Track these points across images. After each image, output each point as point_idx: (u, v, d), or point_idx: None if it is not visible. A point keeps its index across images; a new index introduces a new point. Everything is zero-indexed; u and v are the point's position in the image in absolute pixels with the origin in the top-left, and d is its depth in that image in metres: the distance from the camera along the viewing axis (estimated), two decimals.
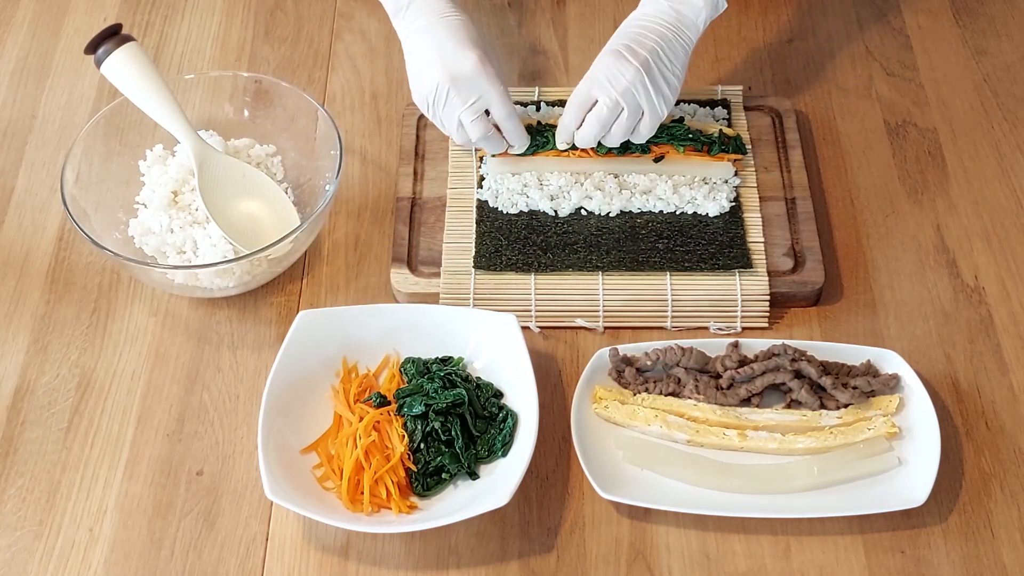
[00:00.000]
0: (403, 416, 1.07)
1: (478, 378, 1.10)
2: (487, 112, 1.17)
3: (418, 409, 1.06)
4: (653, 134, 1.18)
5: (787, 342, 1.11)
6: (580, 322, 1.17)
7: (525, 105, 1.30)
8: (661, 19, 1.17)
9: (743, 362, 1.11)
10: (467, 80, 1.14)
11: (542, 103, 1.30)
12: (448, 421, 1.06)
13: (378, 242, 1.24)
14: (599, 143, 1.20)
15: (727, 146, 1.23)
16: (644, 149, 1.22)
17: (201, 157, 1.21)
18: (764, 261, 1.19)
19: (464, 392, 1.06)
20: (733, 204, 1.23)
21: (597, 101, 1.15)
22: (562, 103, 1.30)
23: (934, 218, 1.26)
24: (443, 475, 1.05)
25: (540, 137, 1.22)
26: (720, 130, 1.24)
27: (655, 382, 1.11)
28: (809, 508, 1.03)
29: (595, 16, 1.46)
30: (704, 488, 1.05)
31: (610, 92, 1.14)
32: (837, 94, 1.38)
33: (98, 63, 1.19)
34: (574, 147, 1.21)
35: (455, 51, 1.15)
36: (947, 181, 1.29)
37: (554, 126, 1.23)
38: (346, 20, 1.46)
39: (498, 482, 1.03)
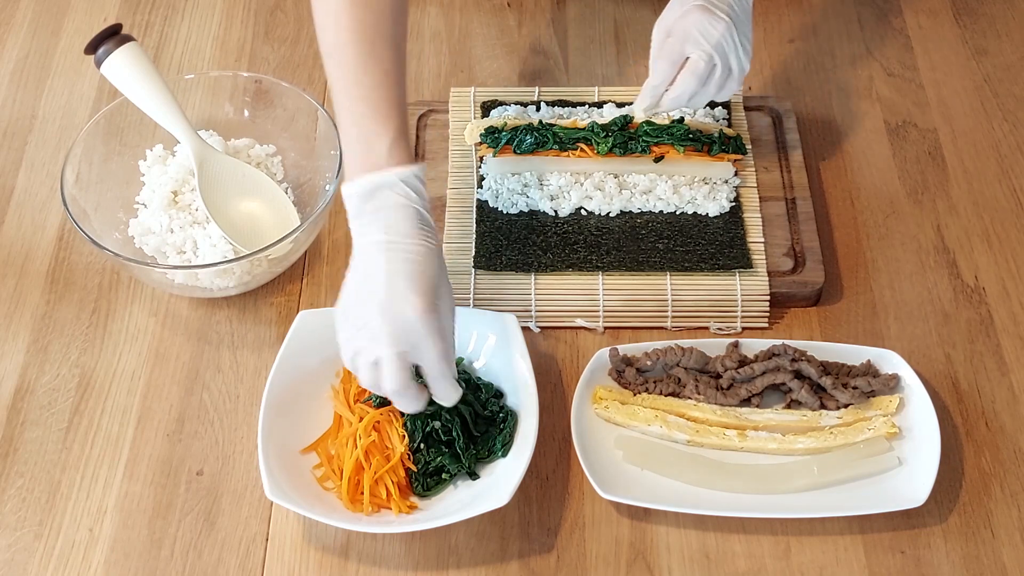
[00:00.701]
0: (403, 416, 1.07)
1: (478, 378, 1.10)
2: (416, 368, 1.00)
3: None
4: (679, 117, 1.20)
5: (787, 342, 1.11)
6: (580, 322, 1.17)
7: (525, 105, 1.30)
8: None
9: (743, 362, 1.11)
10: (402, 328, 0.97)
11: (542, 103, 1.30)
12: (448, 421, 1.06)
13: None
14: (595, 142, 1.20)
15: (727, 146, 1.23)
16: (644, 149, 1.22)
17: (201, 157, 1.21)
18: (764, 261, 1.19)
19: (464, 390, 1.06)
20: (733, 204, 1.23)
21: (688, 58, 1.12)
22: (562, 103, 1.30)
23: (934, 218, 1.26)
24: (443, 475, 1.05)
25: (540, 136, 1.22)
26: (720, 130, 1.24)
27: (655, 382, 1.11)
28: (809, 508, 1.03)
29: (595, 16, 1.46)
30: (704, 488, 1.05)
31: (704, 46, 1.10)
32: (837, 94, 1.38)
33: (98, 63, 1.19)
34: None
35: (401, 291, 0.97)
36: (947, 181, 1.29)
37: (554, 126, 1.23)
38: None
39: (498, 482, 1.03)
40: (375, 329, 0.97)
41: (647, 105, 1.17)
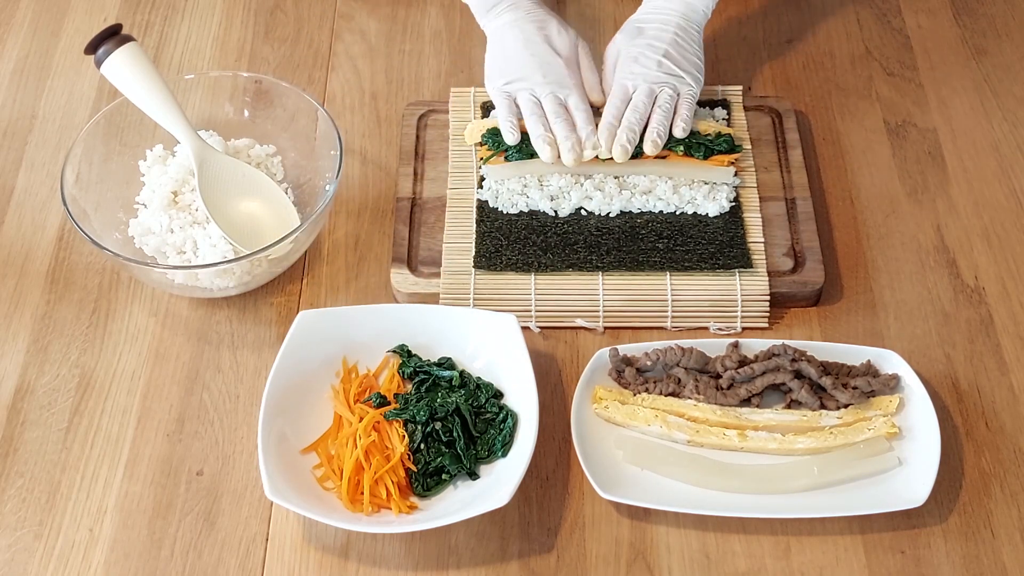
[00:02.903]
0: (403, 417, 1.07)
1: (478, 378, 1.10)
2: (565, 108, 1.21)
3: (423, 415, 1.06)
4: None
5: (787, 342, 1.11)
6: (580, 322, 1.17)
7: None
8: (670, 10, 1.27)
9: (743, 362, 1.11)
10: (554, 69, 1.22)
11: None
12: (448, 421, 1.06)
13: (378, 242, 1.24)
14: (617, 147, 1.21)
15: (720, 145, 1.23)
16: (639, 153, 1.22)
17: (201, 157, 1.21)
18: (764, 261, 1.19)
19: (456, 401, 1.07)
20: (733, 204, 1.23)
21: (632, 95, 1.22)
22: None
23: (934, 218, 1.26)
24: (443, 475, 1.05)
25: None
26: (719, 132, 1.24)
27: (655, 382, 1.11)
28: (809, 508, 1.03)
29: (595, 16, 1.46)
30: (704, 488, 1.05)
31: (639, 82, 1.22)
32: (837, 94, 1.38)
33: (98, 63, 1.19)
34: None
35: (546, 45, 1.23)
36: (947, 181, 1.29)
37: None
38: (346, 20, 1.46)
39: (498, 482, 1.03)
40: (532, 72, 1.22)
41: (600, 146, 1.21)
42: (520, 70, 1.23)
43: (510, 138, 1.21)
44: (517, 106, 1.22)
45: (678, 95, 1.22)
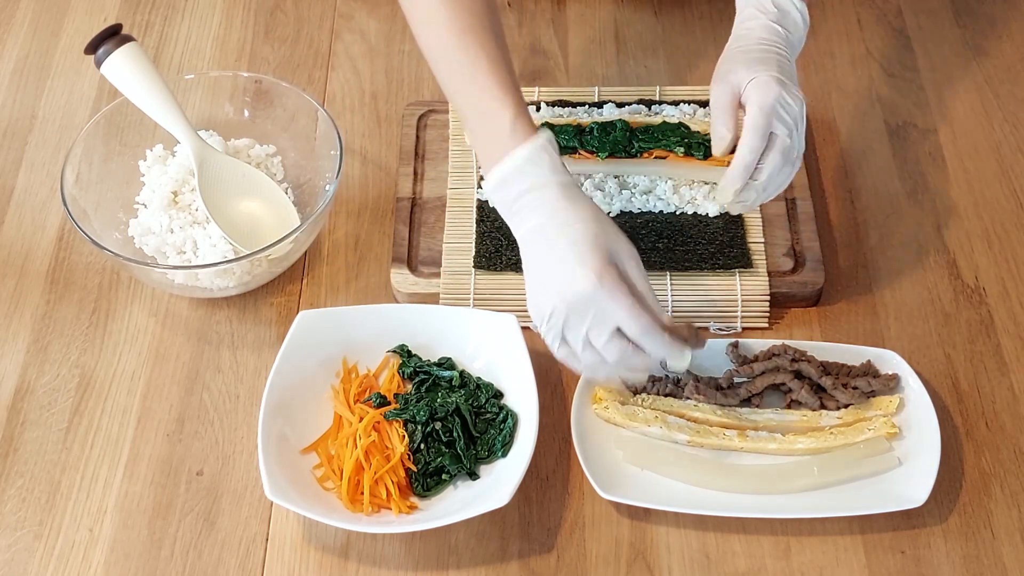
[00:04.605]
0: (403, 417, 1.07)
1: (478, 378, 1.10)
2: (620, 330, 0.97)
3: (423, 415, 1.06)
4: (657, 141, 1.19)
5: (787, 342, 1.11)
6: None
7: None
8: (776, 39, 1.10)
9: (743, 362, 1.11)
10: (584, 301, 0.96)
11: (542, 103, 1.30)
12: (448, 421, 1.06)
13: (378, 242, 1.24)
14: (595, 148, 1.20)
15: None
16: (638, 153, 1.21)
17: (201, 157, 1.21)
18: (764, 261, 1.19)
19: (456, 401, 1.07)
20: None
21: (774, 134, 1.06)
22: (561, 103, 1.30)
23: (934, 218, 1.26)
24: (443, 475, 1.05)
25: None
26: None
27: (653, 382, 1.11)
28: (809, 508, 1.03)
29: (595, 16, 1.46)
30: (704, 488, 1.05)
31: (789, 123, 1.06)
32: (837, 94, 1.38)
33: (98, 63, 1.19)
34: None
35: (569, 266, 0.96)
36: (947, 181, 1.29)
37: (554, 126, 1.23)
38: (346, 20, 1.46)
39: (498, 482, 1.03)
40: (562, 318, 0.97)
41: (739, 188, 1.08)
42: (547, 308, 0.98)
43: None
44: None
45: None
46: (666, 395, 1.10)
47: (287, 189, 1.26)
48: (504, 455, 1.06)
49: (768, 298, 1.17)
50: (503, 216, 1.03)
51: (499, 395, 1.10)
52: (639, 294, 0.97)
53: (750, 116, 1.06)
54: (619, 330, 0.97)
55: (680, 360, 0.99)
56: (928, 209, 1.27)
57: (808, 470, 1.05)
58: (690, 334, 1.00)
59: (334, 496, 1.04)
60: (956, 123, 1.35)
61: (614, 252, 0.97)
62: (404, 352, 1.12)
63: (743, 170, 1.07)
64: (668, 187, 1.22)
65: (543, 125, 1.22)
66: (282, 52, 1.42)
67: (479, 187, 1.25)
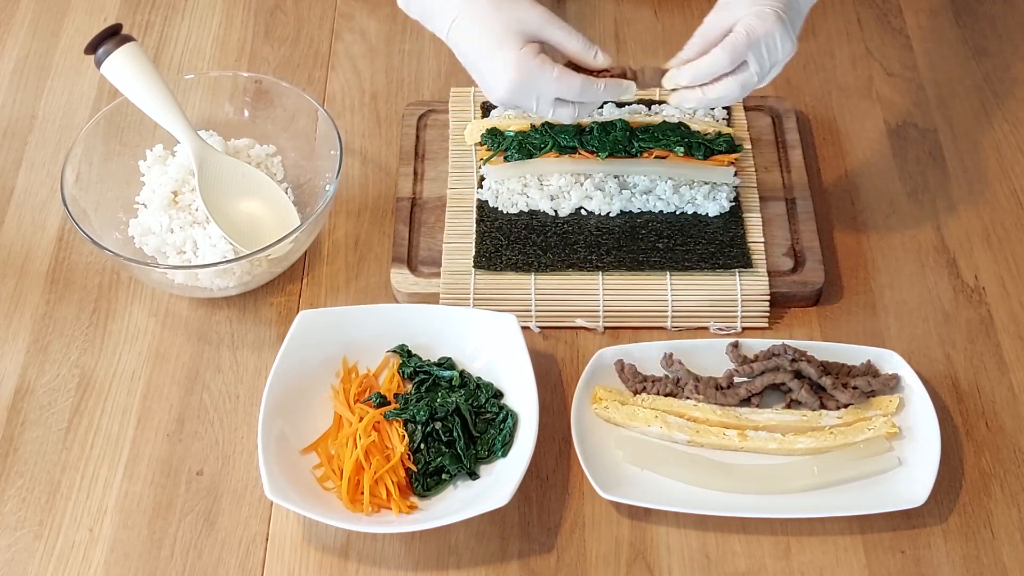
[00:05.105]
0: (403, 417, 1.07)
1: (478, 378, 1.10)
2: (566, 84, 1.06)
3: (423, 415, 1.06)
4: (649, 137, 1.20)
5: (787, 342, 1.11)
6: (580, 322, 1.17)
7: None
8: None
9: (743, 362, 1.11)
10: (518, 89, 1.06)
11: None
12: (448, 421, 1.06)
13: (378, 242, 1.24)
14: (595, 147, 1.20)
15: (720, 145, 1.23)
16: (639, 152, 1.21)
17: (201, 157, 1.21)
18: (764, 261, 1.19)
19: (456, 401, 1.07)
20: (733, 204, 1.23)
21: (745, 63, 1.06)
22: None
23: (934, 218, 1.26)
24: (443, 475, 1.05)
25: (540, 139, 1.22)
26: (719, 132, 1.24)
27: (653, 381, 1.11)
28: (809, 508, 1.03)
29: (595, 16, 1.46)
30: (704, 488, 1.05)
31: (766, 63, 1.06)
32: (837, 94, 1.38)
33: (98, 63, 1.19)
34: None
35: (493, 60, 1.06)
36: (947, 181, 1.29)
37: (553, 126, 1.23)
38: (346, 20, 1.46)
39: (498, 482, 1.03)
40: (505, 102, 1.07)
41: (679, 80, 1.09)
42: (495, 99, 1.09)
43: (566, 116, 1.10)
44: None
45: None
46: (666, 395, 1.10)
47: (287, 189, 1.26)
48: (504, 455, 1.06)
49: (768, 298, 1.17)
50: (426, 26, 1.11)
51: (499, 395, 1.10)
52: (566, 48, 1.07)
53: (732, 35, 1.06)
54: (557, 99, 1.07)
55: (626, 93, 1.09)
56: (928, 209, 1.27)
57: (808, 470, 1.05)
58: (625, 70, 1.10)
59: (334, 496, 1.04)
60: (956, 123, 1.35)
61: (525, 27, 1.06)
62: (404, 352, 1.12)
63: (690, 79, 1.08)
64: (668, 187, 1.22)
65: (544, 124, 1.23)
66: (282, 52, 1.42)
67: (479, 187, 1.25)
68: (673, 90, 1.10)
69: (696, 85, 1.08)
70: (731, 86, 1.07)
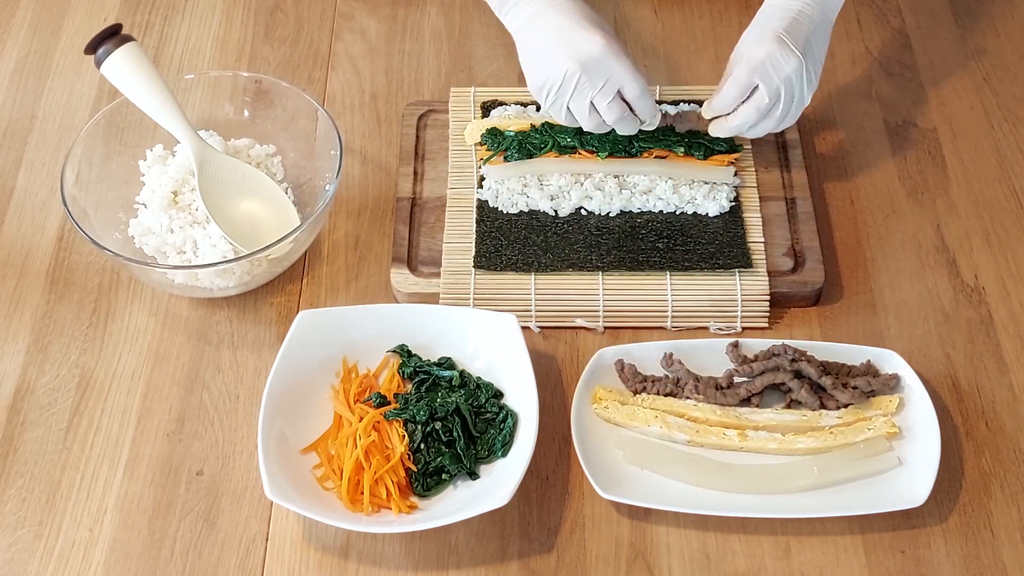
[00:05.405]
0: (403, 417, 1.07)
1: (478, 378, 1.10)
2: (619, 93, 1.13)
3: (423, 415, 1.06)
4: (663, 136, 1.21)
5: (787, 342, 1.11)
6: (580, 322, 1.17)
7: (525, 105, 1.30)
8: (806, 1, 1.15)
9: (743, 362, 1.11)
10: (597, 63, 1.11)
11: None
12: (448, 421, 1.06)
13: (378, 242, 1.24)
14: (595, 147, 1.20)
15: (721, 146, 1.23)
16: (639, 152, 1.21)
17: (201, 157, 1.21)
18: (764, 261, 1.19)
19: (456, 401, 1.07)
20: (733, 204, 1.23)
21: (757, 88, 1.13)
22: None
23: (934, 218, 1.26)
24: (443, 475, 1.05)
25: (540, 139, 1.22)
26: None
27: (653, 381, 1.11)
28: (809, 508, 1.03)
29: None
30: (704, 488, 1.05)
31: (774, 81, 1.12)
32: (837, 94, 1.38)
33: (98, 63, 1.19)
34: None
35: (577, 34, 1.11)
36: (947, 181, 1.30)
37: (553, 126, 1.23)
38: (346, 20, 1.46)
39: (498, 482, 1.03)
40: (575, 79, 1.11)
41: (710, 126, 1.19)
42: (558, 74, 1.12)
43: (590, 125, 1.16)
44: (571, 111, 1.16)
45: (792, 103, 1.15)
46: (666, 395, 1.10)
47: (287, 189, 1.26)
48: (504, 455, 1.06)
49: (768, 298, 1.17)
50: (497, 15, 1.18)
51: (499, 395, 1.10)
52: (632, 60, 1.13)
53: (737, 69, 1.14)
54: (619, 93, 1.12)
55: (656, 119, 1.18)
56: (928, 209, 1.27)
57: (808, 470, 1.05)
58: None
59: (334, 496, 1.04)
60: (956, 122, 1.35)
61: (606, 29, 1.13)
62: (404, 352, 1.12)
63: (713, 112, 1.17)
64: (668, 187, 1.23)
65: (544, 124, 1.23)
66: (282, 52, 1.42)
67: (479, 187, 1.25)
68: (710, 121, 1.19)
69: (720, 115, 1.18)
70: (747, 111, 1.15)
